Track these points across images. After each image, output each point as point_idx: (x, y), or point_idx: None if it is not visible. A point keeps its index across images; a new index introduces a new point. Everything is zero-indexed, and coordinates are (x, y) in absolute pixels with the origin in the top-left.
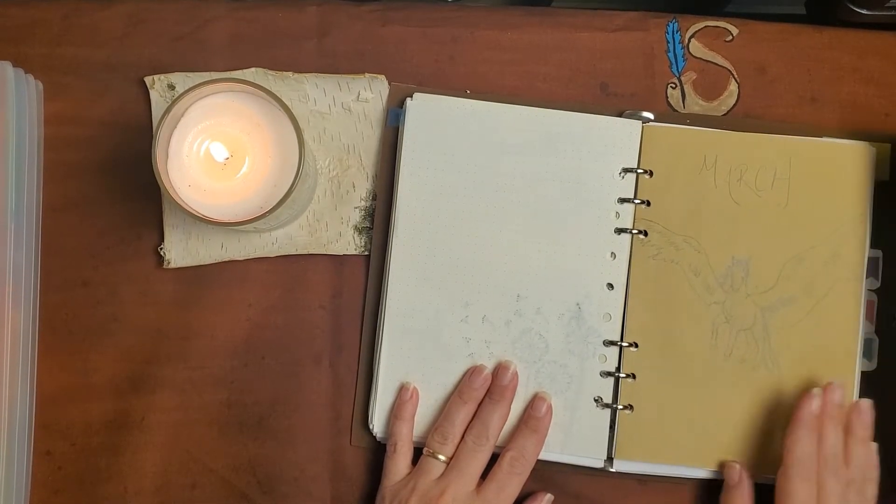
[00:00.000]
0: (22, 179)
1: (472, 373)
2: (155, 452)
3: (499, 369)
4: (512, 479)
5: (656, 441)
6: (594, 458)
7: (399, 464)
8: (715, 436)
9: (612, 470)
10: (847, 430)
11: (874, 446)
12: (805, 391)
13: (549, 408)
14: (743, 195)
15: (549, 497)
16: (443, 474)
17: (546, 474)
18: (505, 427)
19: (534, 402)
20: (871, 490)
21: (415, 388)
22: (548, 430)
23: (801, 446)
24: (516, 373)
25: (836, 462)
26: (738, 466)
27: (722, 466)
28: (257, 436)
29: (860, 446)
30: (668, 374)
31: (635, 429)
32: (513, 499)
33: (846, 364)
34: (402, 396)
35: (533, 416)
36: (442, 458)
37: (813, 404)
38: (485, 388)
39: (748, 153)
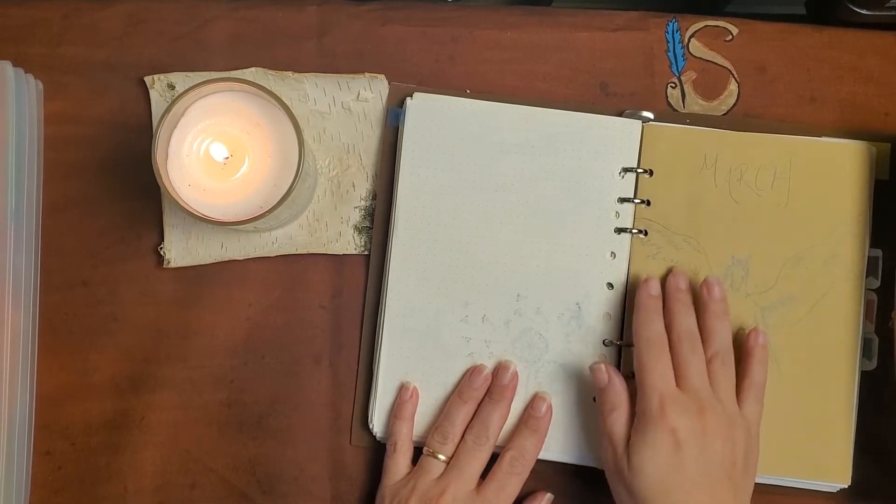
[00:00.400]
0: (22, 179)
1: (471, 373)
2: (155, 452)
3: (499, 369)
4: (511, 478)
5: None
6: (595, 458)
7: (399, 463)
8: None
9: None
10: (703, 308)
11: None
12: (643, 280)
13: (549, 407)
14: (743, 195)
15: (549, 496)
16: (442, 474)
17: (547, 474)
18: (505, 427)
19: (533, 401)
20: (731, 362)
21: (415, 387)
22: (548, 429)
23: (647, 326)
24: (516, 372)
25: (692, 339)
26: (603, 366)
27: (593, 373)
28: (257, 435)
29: (717, 321)
30: None
31: None
32: (512, 498)
33: (845, 363)
34: (402, 396)
35: (533, 416)
36: (442, 457)
37: (650, 287)
38: (485, 387)
39: (748, 153)
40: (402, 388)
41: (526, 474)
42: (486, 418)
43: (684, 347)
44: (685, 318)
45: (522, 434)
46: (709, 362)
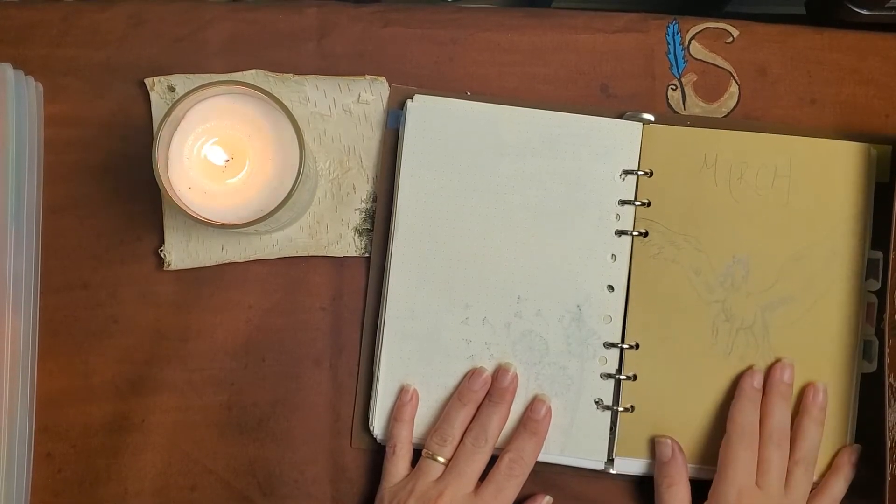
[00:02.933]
0: (22, 181)
1: (471, 375)
2: (155, 454)
3: (498, 371)
4: (510, 481)
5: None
6: (595, 460)
7: (398, 465)
8: (715, 434)
9: (612, 472)
10: (803, 410)
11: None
12: (749, 369)
13: (549, 410)
14: (743, 194)
15: (548, 499)
16: (441, 476)
17: (546, 476)
18: (505, 429)
19: (533, 404)
20: (813, 470)
21: (415, 389)
22: (547, 432)
23: (744, 416)
24: (516, 375)
25: (780, 436)
26: (669, 441)
27: (656, 446)
28: (257, 437)
29: (813, 426)
30: (669, 373)
31: (636, 429)
32: (511, 501)
33: (844, 363)
34: (402, 398)
35: (532, 419)
36: (441, 459)
37: (755, 379)
38: (484, 390)
39: (748, 152)
40: (402, 391)
41: (524, 477)
42: (486, 421)
43: (772, 444)
44: (781, 414)
45: (521, 436)
46: (793, 464)
